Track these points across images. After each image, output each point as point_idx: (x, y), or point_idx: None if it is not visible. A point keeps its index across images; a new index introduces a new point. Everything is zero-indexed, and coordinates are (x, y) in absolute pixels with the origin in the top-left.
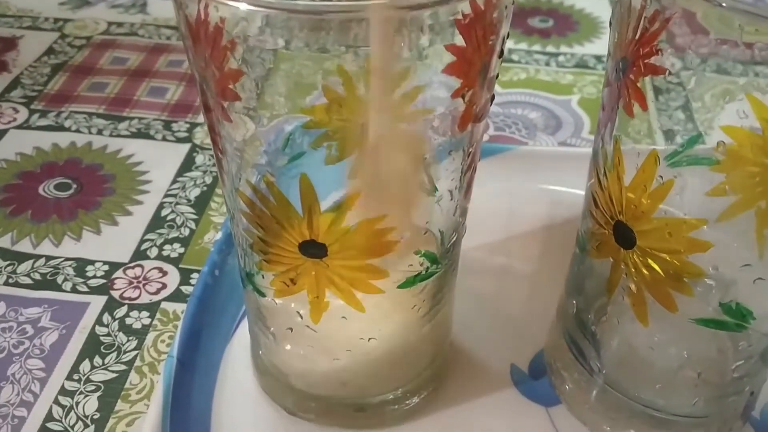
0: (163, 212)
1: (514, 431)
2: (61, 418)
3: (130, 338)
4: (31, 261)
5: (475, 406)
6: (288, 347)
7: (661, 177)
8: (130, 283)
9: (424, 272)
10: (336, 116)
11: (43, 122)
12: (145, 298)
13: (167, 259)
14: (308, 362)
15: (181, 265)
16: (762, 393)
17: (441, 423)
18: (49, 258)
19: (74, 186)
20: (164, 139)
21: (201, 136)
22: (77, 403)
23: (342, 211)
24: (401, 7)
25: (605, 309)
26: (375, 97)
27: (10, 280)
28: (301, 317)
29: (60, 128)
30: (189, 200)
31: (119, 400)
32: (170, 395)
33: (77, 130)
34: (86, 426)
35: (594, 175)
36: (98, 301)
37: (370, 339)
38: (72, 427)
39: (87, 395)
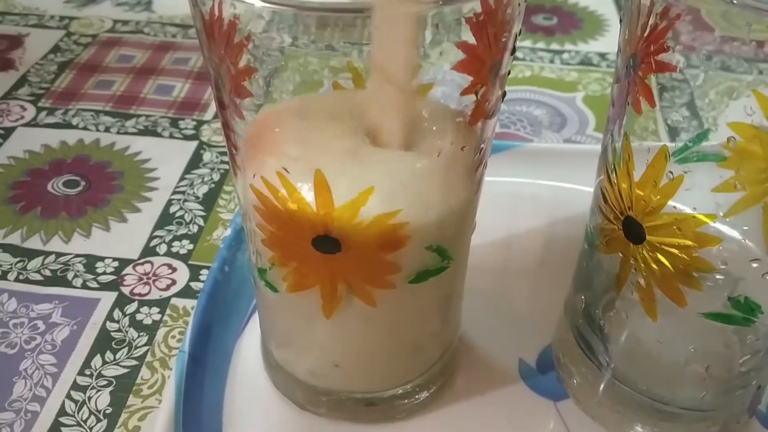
0: (172, 209)
1: (522, 425)
2: (74, 412)
3: (141, 334)
4: (41, 257)
5: (483, 400)
6: (299, 343)
7: (671, 173)
8: (140, 279)
9: (435, 268)
10: None
11: (50, 120)
12: (155, 294)
13: (176, 256)
14: (319, 357)
15: (190, 262)
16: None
17: (450, 417)
18: (59, 254)
19: (83, 183)
20: (171, 136)
21: (208, 133)
22: (89, 398)
23: (356, 207)
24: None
25: (613, 304)
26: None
27: (21, 277)
28: (313, 312)
29: (68, 126)
30: (197, 197)
31: (131, 395)
32: (182, 390)
33: (85, 128)
34: (99, 420)
35: (603, 170)
36: (108, 297)
37: (381, 334)
38: (85, 422)
39: (99, 390)
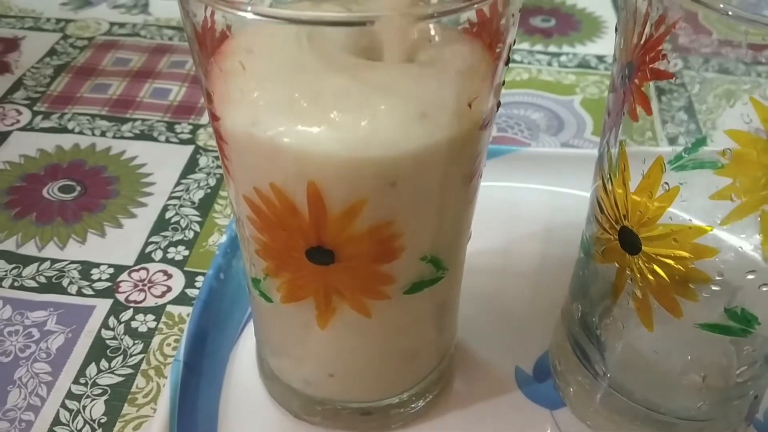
0: (167, 215)
1: None
2: (68, 422)
3: (136, 342)
4: (36, 264)
5: (479, 408)
6: (294, 352)
7: (667, 184)
8: (135, 286)
9: (430, 278)
10: None
11: (46, 124)
12: (151, 302)
13: (172, 262)
14: (314, 367)
15: (186, 268)
16: (766, 396)
17: (446, 426)
18: (54, 261)
19: (78, 188)
20: (167, 140)
21: (204, 138)
22: (84, 407)
23: (349, 218)
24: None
25: (610, 313)
26: None
27: (16, 284)
28: (308, 322)
29: (63, 130)
30: (193, 202)
31: (126, 404)
32: (177, 399)
33: (80, 132)
34: (94, 430)
35: (599, 179)
36: (104, 305)
37: (376, 344)
38: (80, 431)
39: (94, 399)
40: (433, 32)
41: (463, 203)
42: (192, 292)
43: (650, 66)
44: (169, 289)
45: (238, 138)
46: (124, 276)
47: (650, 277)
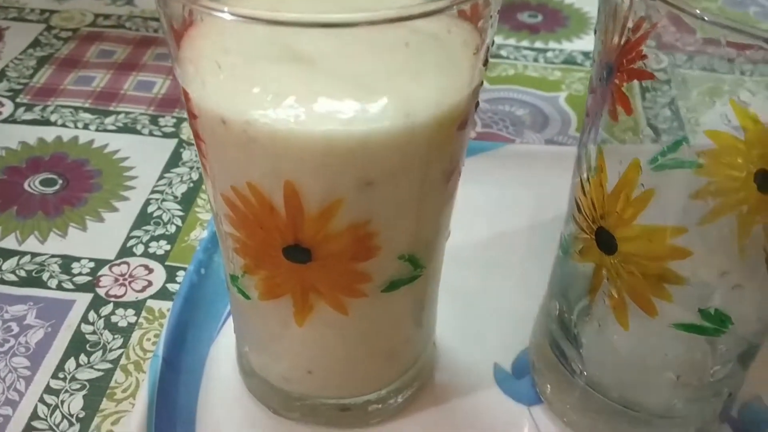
0: (150, 209)
1: (496, 430)
2: (47, 416)
3: (116, 336)
4: (16, 258)
5: (457, 405)
6: (272, 349)
7: (643, 185)
8: (116, 280)
9: (407, 276)
10: None
11: (28, 116)
12: (131, 296)
13: (153, 257)
14: (292, 363)
15: (167, 263)
16: (741, 394)
17: (424, 422)
18: (34, 255)
19: (60, 181)
20: (151, 134)
21: (188, 131)
22: (62, 402)
23: (326, 217)
24: (386, 19)
25: (587, 311)
26: None
27: None
28: (286, 320)
29: (46, 122)
30: (175, 197)
31: (105, 399)
32: (155, 394)
33: (63, 125)
34: (71, 425)
35: (577, 180)
36: (84, 299)
37: (353, 341)
38: (57, 426)
39: (72, 394)
40: (411, 32)
41: (441, 202)
42: (173, 287)
43: (629, 67)
44: (150, 283)
45: (215, 136)
46: (104, 270)
47: (626, 277)
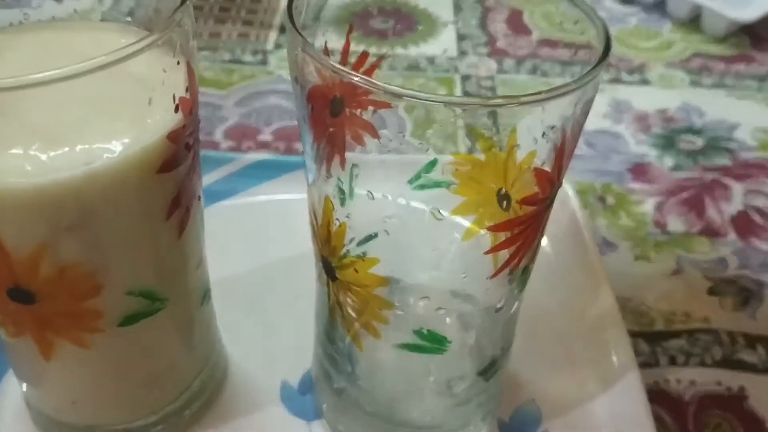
0: None
1: None
2: None
3: None
4: None
5: (241, 424)
6: (36, 382)
7: (338, 220)
8: None
9: (145, 310)
10: None
11: None
12: None
13: None
14: (57, 394)
15: None
16: (515, 396)
17: None
18: None
19: None
20: None
21: None
22: None
23: (35, 261)
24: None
25: (336, 333)
26: None
27: None
28: (36, 355)
29: None
30: None
31: None
32: None
33: None
34: None
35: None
36: None
37: (104, 373)
38: None
39: None
40: (110, 79)
41: (168, 238)
42: None
43: (363, 98)
44: None
45: None
46: None
47: (349, 302)
